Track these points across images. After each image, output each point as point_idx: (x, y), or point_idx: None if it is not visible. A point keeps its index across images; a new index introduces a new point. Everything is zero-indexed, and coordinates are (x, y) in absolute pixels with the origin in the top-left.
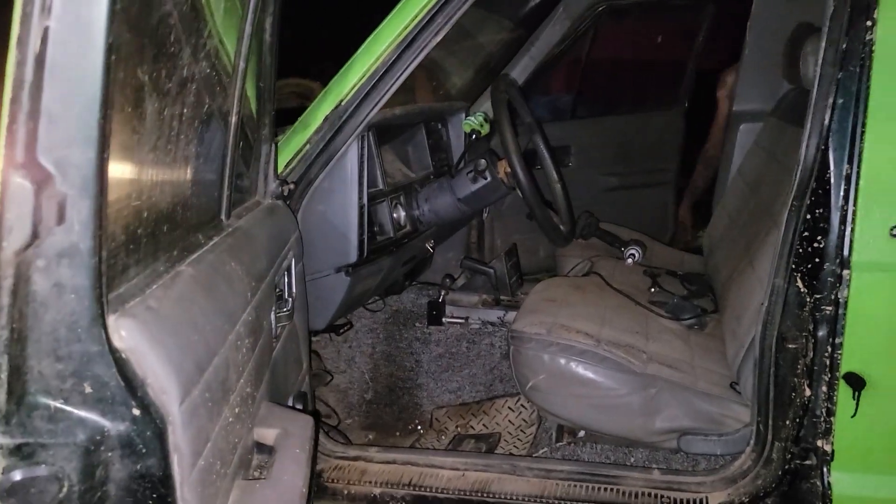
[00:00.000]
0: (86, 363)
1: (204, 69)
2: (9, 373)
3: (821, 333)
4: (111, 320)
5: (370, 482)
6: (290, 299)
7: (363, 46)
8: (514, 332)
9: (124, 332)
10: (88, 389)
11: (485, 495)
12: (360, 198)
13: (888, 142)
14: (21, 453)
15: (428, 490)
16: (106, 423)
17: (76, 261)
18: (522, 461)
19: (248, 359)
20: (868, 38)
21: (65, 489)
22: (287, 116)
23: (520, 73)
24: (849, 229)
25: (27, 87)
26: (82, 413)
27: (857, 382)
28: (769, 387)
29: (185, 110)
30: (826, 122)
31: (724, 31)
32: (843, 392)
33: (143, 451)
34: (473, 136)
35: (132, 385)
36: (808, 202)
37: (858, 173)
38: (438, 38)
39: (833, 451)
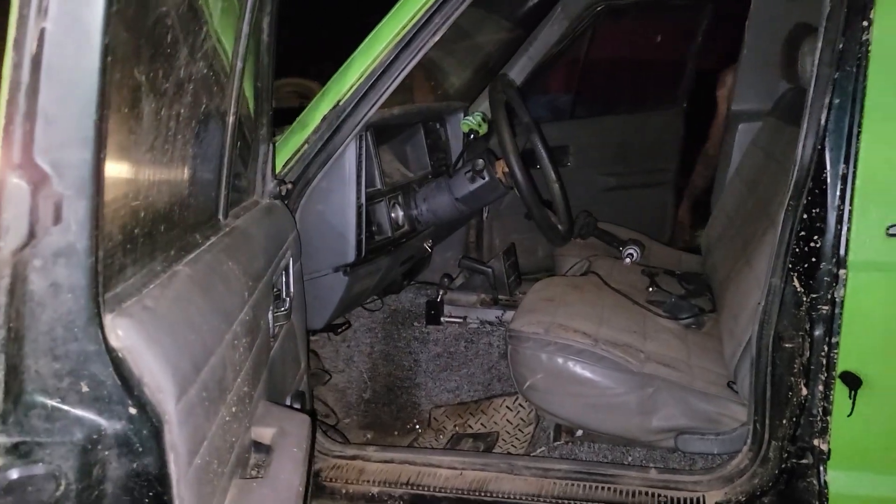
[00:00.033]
0: (82, 362)
1: (201, 69)
2: (6, 372)
3: (817, 333)
4: (108, 319)
5: (368, 481)
6: (288, 299)
7: (361, 46)
8: (512, 331)
9: (121, 332)
10: (85, 388)
11: (482, 494)
12: (358, 197)
13: (884, 141)
14: (18, 452)
15: (426, 489)
16: (102, 421)
17: (73, 260)
18: (520, 460)
19: (246, 358)
20: (864, 38)
21: (62, 487)
22: (286, 116)
23: (518, 72)
24: (845, 229)
25: (24, 88)
26: (79, 412)
27: (853, 381)
28: (766, 386)
29: (182, 110)
30: (822, 121)
31: (723, 30)
32: (840, 391)
33: (140, 449)
34: (471, 136)
35: (129, 384)
36: (805, 202)
37: (855, 173)
38: (436, 38)
39: (829, 449)
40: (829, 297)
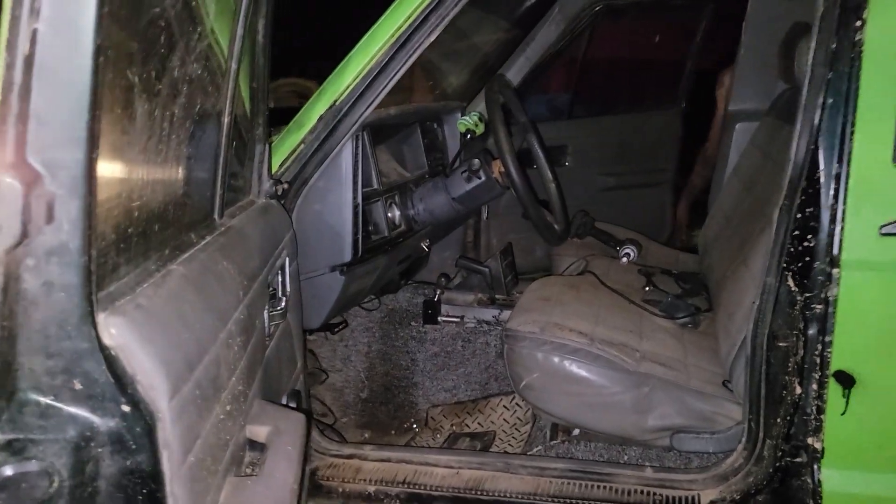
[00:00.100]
0: (76, 360)
1: (196, 70)
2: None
3: (811, 332)
4: (101, 318)
5: (365, 480)
6: (284, 298)
7: (358, 46)
8: (508, 330)
9: (114, 330)
10: (78, 386)
11: (479, 493)
12: (355, 197)
13: (877, 141)
14: (11, 449)
15: (422, 488)
16: (96, 419)
17: (65, 259)
18: (516, 459)
19: (240, 357)
20: (858, 37)
21: (55, 484)
22: (285, 116)
23: (516, 72)
24: (838, 228)
25: (16, 89)
26: (72, 409)
27: (846, 380)
28: (760, 385)
29: (176, 111)
30: (816, 121)
31: (722, 30)
32: (833, 390)
33: (133, 446)
34: (468, 136)
35: (122, 382)
36: (799, 201)
37: (848, 172)
38: (432, 38)
39: (823, 448)
40: (823, 296)
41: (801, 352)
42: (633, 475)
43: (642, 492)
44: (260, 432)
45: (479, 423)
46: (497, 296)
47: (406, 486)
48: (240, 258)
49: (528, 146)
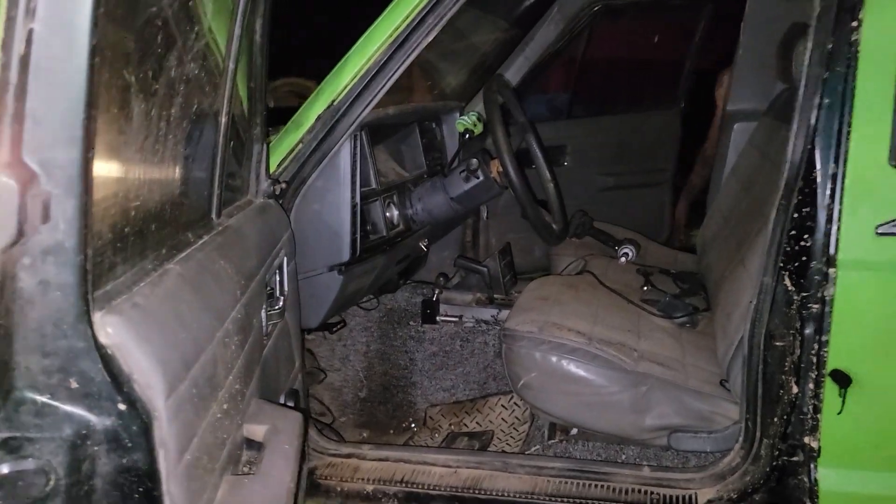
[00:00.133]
0: (72, 359)
1: (193, 70)
2: None
3: (808, 331)
4: (97, 317)
5: (363, 479)
6: (282, 297)
7: (355, 46)
8: (507, 330)
9: (110, 329)
10: (75, 385)
11: (476, 492)
12: (353, 197)
13: (874, 141)
14: (8, 447)
15: (420, 487)
16: (92, 417)
17: (61, 258)
18: (514, 458)
19: (237, 356)
20: (854, 38)
21: (52, 482)
22: (285, 115)
23: (515, 72)
24: (835, 228)
25: (12, 88)
26: (69, 408)
27: (843, 380)
28: (757, 384)
29: (173, 110)
30: (813, 121)
31: (721, 30)
32: (830, 389)
33: (129, 445)
34: (467, 136)
35: (118, 380)
36: (796, 201)
37: (844, 172)
38: (430, 38)
39: (820, 447)
40: (820, 295)
41: (798, 351)
42: (631, 474)
43: (640, 491)
44: (257, 431)
45: (477, 423)
46: (495, 295)
47: (404, 485)
48: (237, 257)
49: (527, 146)
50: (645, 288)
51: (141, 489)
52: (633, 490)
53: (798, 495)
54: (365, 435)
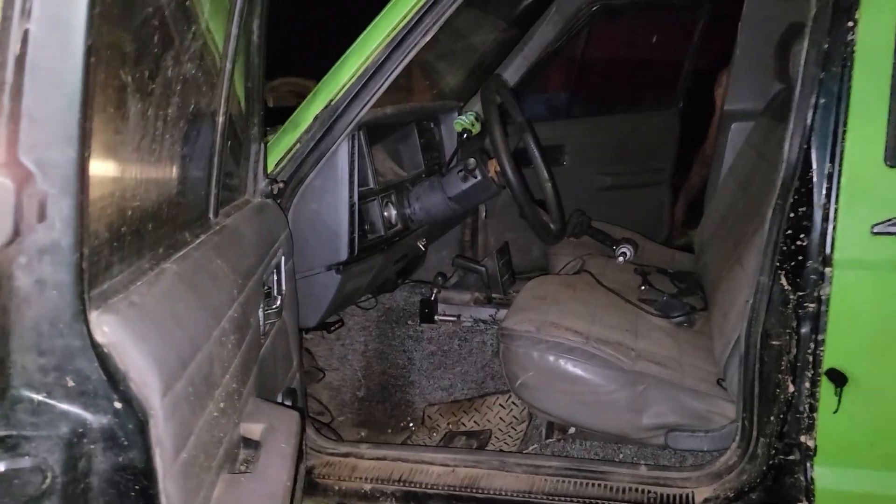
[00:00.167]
0: (68, 358)
1: (190, 70)
2: None
3: (804, 330)
4: (94, 316)
5: (361, 478)
6: (280, 297)
7: (353, 46)
8: (504, 329)
9: (106, 328)
10: (71, 383)
11: (474, 491)
12: (351, 196)
13: (869, 141)
14: (4, 445)
15: (418, 486)
16: (88, 416)
17: (57, 257)
18: (512, 457)
19: (234, 355)
20: (850, 38)
21: (48, 480)
22: (284, 115)
23: (513, 72)
24: (831, 227)
25: (8, 88)
26: (65, 406)
27: (838, 378)
28: (754, 383)
29: (170, 110)
30: (809, 121)
31: (720, 30)
32: (826, 388)
33: (125, 443)
34: (465, 136)
35: (114, 379)
36: (792, 200)
37: (840, 172)
38: (427, 38)
39: (816, 446)
40: (816, 294)
41: (794, 350)
42: (628, 473)
43: (637, 490)
44: (254, 430)
45: (475, 422)
46: (493, 295)
47: (402, 484)
48: (234, 257)
49: (525, 146)
50: (642, 287)
51: (137, 487)
52: (630, 489)
53: (794, 494)
54: (363, 434)
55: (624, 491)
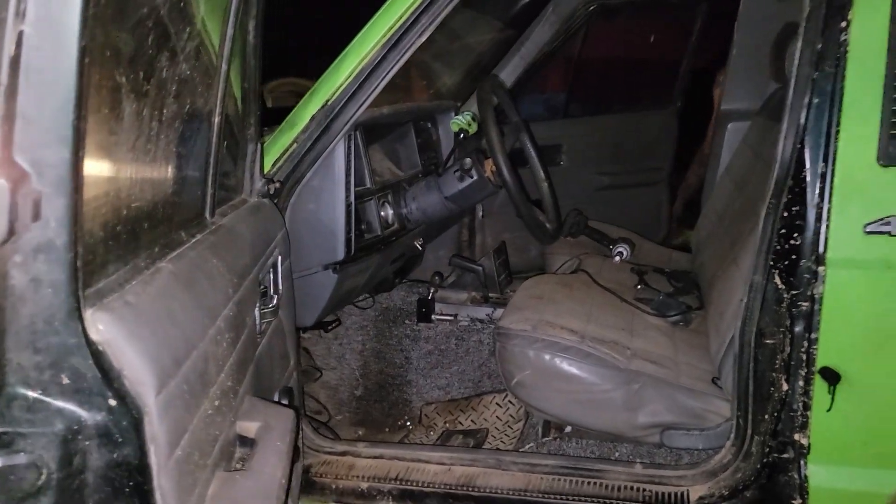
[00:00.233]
0: (63, 355)
1: (185, 70)
2: None
3: (797, 329)
4: (89, 314)
5: (358, 477)
6: (276, 296)
7: (349, 46)
8: (500, 328)
9: (101, 326)
10: (66, 381)
11: (470, 489)
12: (348, 196)
13: (862, 141)
14: (0, 442)
15: (414, 484)
16: (83, 413)
17: (52, 256)
18: (508, 456)
19: (230, 353)
20: (843, 38)
21: (43, 477)
22: (283, 115)
23: (510, 72)
24: (824, 226)
25: (3, 89)
26: (60, 403)
27: (832, 377)
28: (748, 382)
29: (165, 110)
30: (802, 121)
31: (717, 29)
32: (819, 386)
33: (120, 440)
34: (461, 136)
35: (109, 376)
36: (786, 200)
37: (833, 171)
38: (423, 39)
39: (809, 444)
40: (809, 293)
41: (788, 349)
42: (624, 471)
43: (632, 488)
44: (250, 428)
45: (472, 421)
46: (490, 294)
47: (399, 482)
48: (230, 256)
49: (521, 146)
50: (639, 286)
51: (132, 483)
52: (625, 487)
53: (788, 492)
54: (361, 433)
55: (619, 489)
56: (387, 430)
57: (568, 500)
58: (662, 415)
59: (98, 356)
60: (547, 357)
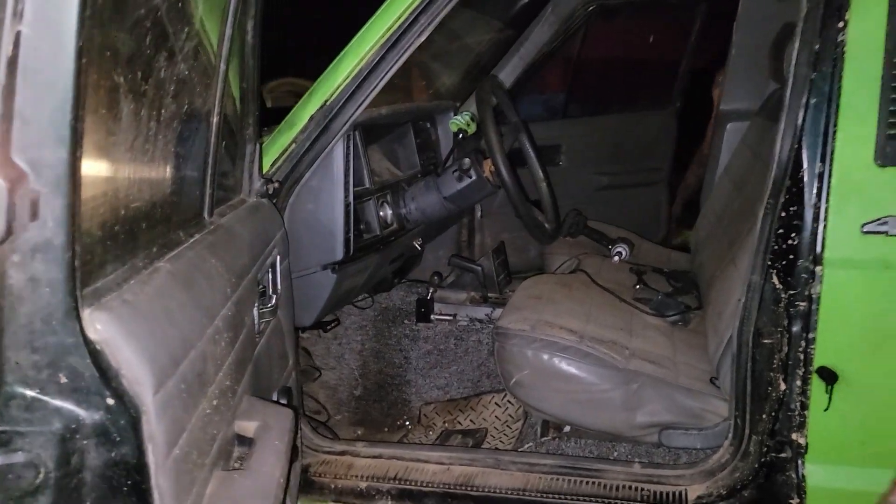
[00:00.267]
0: (61, 354)
1: (183, 70)
2: None
3: (795, 329)
4: (86, 313)
5: (356, 476)
6: (275, 296)
7: (348, 46)
8: (499, 328)
9: (99, 325)
10: (64, 380)
11: (469, 489)
12: (346, 196)
13: (859, 141)
14: None
15: (413, 484)
16: (81, 412)
17: (50, 256)
18: (506, 455)
19: (228, 353)
20: (840, 38)
21: (41, 475)
22: (283, 116)
23: (510, 72)
24: (821, 226)
25: (0, 89)
26: (58, 402)
27: (829, 377)
28: (746, 381)
29: (163, 111)
30: (800, 121)
31: (717, 29)
32: (817, 386)
33: (118, 439)
34: (460, 136)
35: (106, 375)
36: (783, 200)
37: (830, 171)
38: (423, 38)
39: (807, 443)
40: (807, 293)
41: (786, 349)
42: (622, 471)
43: (631, 487)
44: (248, 427)
45: (471, 421)
46: (489, 294)
47: (397, 482)
48: (229, 256)
49: (520, 146)
50: (638, 286)
51: (130, 482)
52: (623, 486)
53: (786, 491)
54: (360, 433)
55: (618, 489)
56: (386, 429)
57: (566, 499)
58: (661, 414)
59: (96, 355)
60: (545, 357)
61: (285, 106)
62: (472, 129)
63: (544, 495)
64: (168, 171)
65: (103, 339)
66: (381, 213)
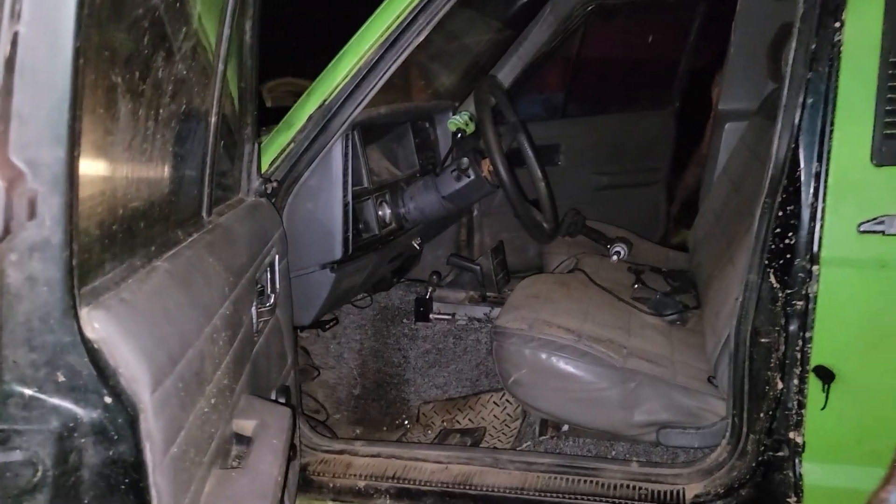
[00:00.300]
0: (59, 353)
1: (181, 70)
2: None
3: (792, 328)
4: (84, 312)
5: (355, 475)
6: (273, 295)
7: (347, 46)
8: (497, 327)
9: (97, 324)
10: (61, 378)
11: (467, 488)
12: (345, 195)
13: (856, 140)
14: None
15: (411, 483)
16: (79, 410)
17: (48, 254)
18: (504, 454)
19: (226, 352)
20: (836, 38)
21: (39, 474)
22: (282, 115)
23: (508, 72)
24: (818, 226)
25: None
26: (56, 401)
27: (826, 375)
28: (744, 380)
29: (161, 110)
30: (797, 121)
31: (716, 29)
32: (814, 385)
33: (116, 437)
34: (459, 135)
35: (104, 374)
36: (780, 199)
37: (827, 171)
38: (421, 38)
39: (804, 442)
40: (804, 292)
41: (783, 348)
42: (620, 470)
43: (628, 486)
44: (246, 426)
45: (469, 420)
46: (488, 293)
47: (396, 481)
48: (227, 255)
49: (518, 145)
50: (636, 286)
51: (127, 481)
52: (621, 485)
53: (783, 490)
54: (359, 432)
55: (615, 487)
56: (384, 428)
57: (564, 498)
58: (658, 413)
59: (93, 354)
60: (543, 356)
61: (284, 105)
62: (471, 128)
63: (542, 494)
64: (166, 171)
65: (101, 338)
66: (380, 213)
